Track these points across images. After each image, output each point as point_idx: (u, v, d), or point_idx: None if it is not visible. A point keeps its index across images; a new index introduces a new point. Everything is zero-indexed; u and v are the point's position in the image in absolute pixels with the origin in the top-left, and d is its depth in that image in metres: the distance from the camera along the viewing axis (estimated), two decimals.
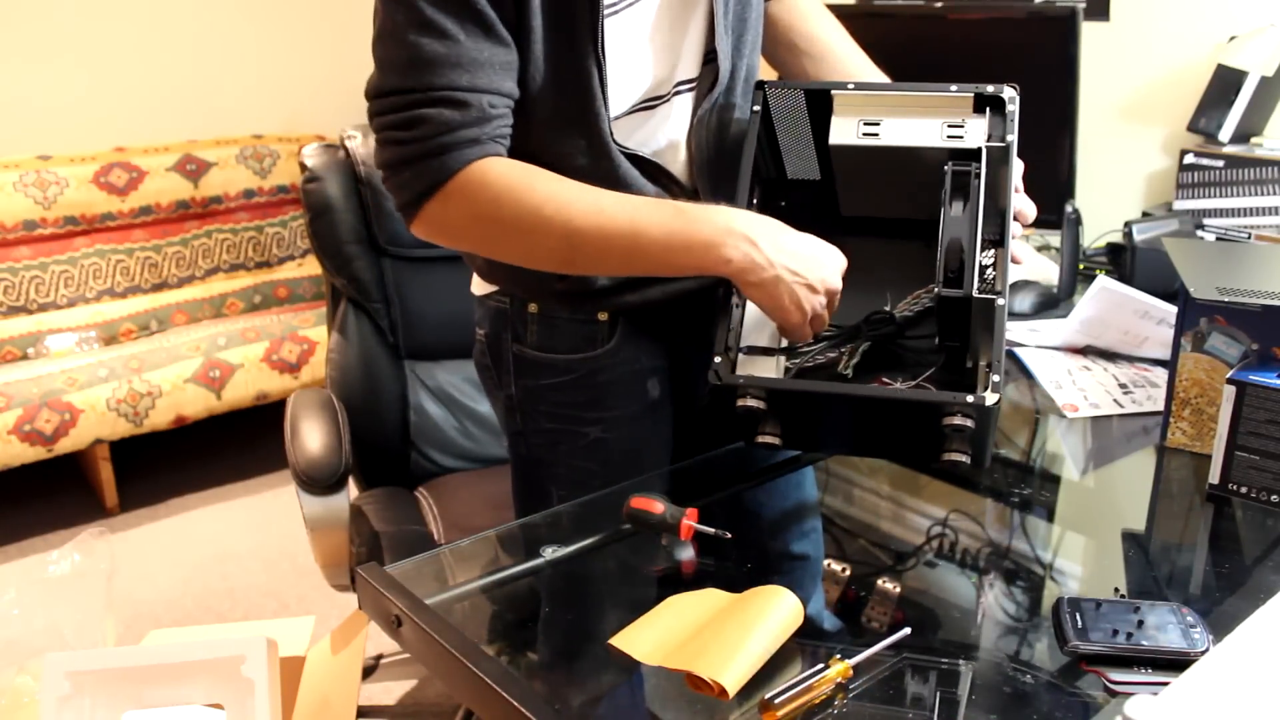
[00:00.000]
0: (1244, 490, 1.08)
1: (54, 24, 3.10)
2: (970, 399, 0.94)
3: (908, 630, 0.86)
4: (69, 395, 2.64)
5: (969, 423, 0.94)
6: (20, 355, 2.90)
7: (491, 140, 1.01)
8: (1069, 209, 1.72)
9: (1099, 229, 1.95)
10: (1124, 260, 1.73)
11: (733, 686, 0.79)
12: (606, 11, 1.03)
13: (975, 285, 0.97)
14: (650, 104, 1.11)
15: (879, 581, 1.01)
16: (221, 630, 1.48)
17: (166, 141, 3.24)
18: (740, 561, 1.02)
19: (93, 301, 3.09)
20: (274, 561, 2.60)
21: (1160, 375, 1.41)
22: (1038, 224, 1.15)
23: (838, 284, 1.03)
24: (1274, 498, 1.06)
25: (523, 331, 1.20)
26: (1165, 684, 0.72)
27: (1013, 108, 1.06)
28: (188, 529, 2.78)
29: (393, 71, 1.00)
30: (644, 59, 1.08)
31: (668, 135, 1.13)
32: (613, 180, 1.07)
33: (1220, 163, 1.82)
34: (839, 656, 0.82)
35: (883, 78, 1.26)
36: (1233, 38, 1.86)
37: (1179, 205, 1.87)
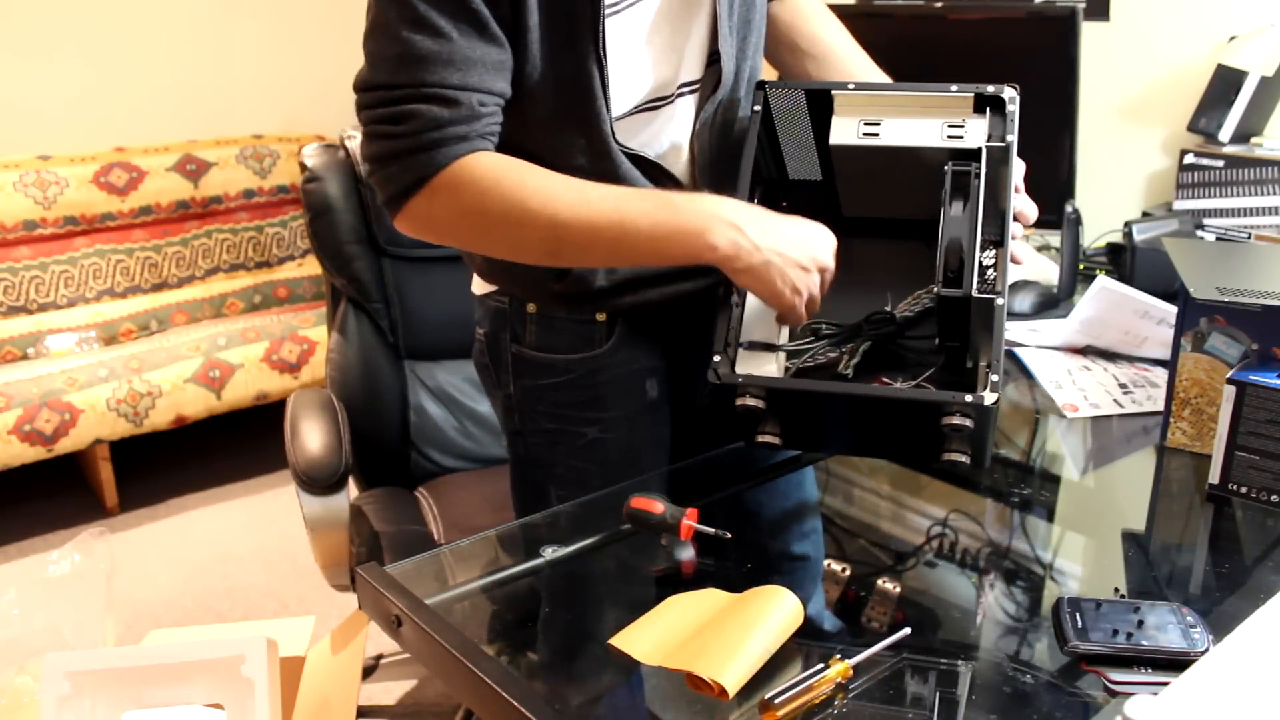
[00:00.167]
0: (1244, 490, 1.08)
1: (54, 24, 3.10)
2: (969, 399, 0.94)
3: (908, 630, 0.86)
4: (69, 395, 2.64)
5: (968, 423, 0.94)
6: (20, 355, 2.90)
7: (479, 137, 1.01)
8: (1069, 209, 1.72)
9: (1099, 229, 1.95)
10: (1124, 260, 1.73)
11: (733, 686, 0.79)
12: (608, 11, 1.03)
13: (975, 285, 0.97)
14: (653, 105, 1.11)
15: (879, 581, 1.01)
16: (221, 630, 1.48)
17: (166, 141, 3.24)
18: (740, 561, 1.02)
19: (93, 301, 3.09)
20: (274, 561, 2.60)
21: (1160, 375, 1.41)
22: (1038, 224, 1.14)
23: (829, 261, 1.02)
24: (1274, 498, 1.06)
25: (521, 331, 1.20)
26: (1165, 684, 0.72)
27: (1013, 108, 1.06)
28: (188, 529, 2.78)
29: (383, 67, 1.00)
30: (646, 60, 1.08)
31: (671, 137, 1.13)
32: (614, 180, 1.07)
33: (1220, 163, 1.82)
34: (839, 656, 0.82)
35: (884, 78, 1.26)
36: (1233, 38, 1.86)
37: (1179, 205, 1.87)
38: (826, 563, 1.07)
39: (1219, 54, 1.86)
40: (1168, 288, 1.36)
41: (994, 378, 0.94)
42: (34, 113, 3.11)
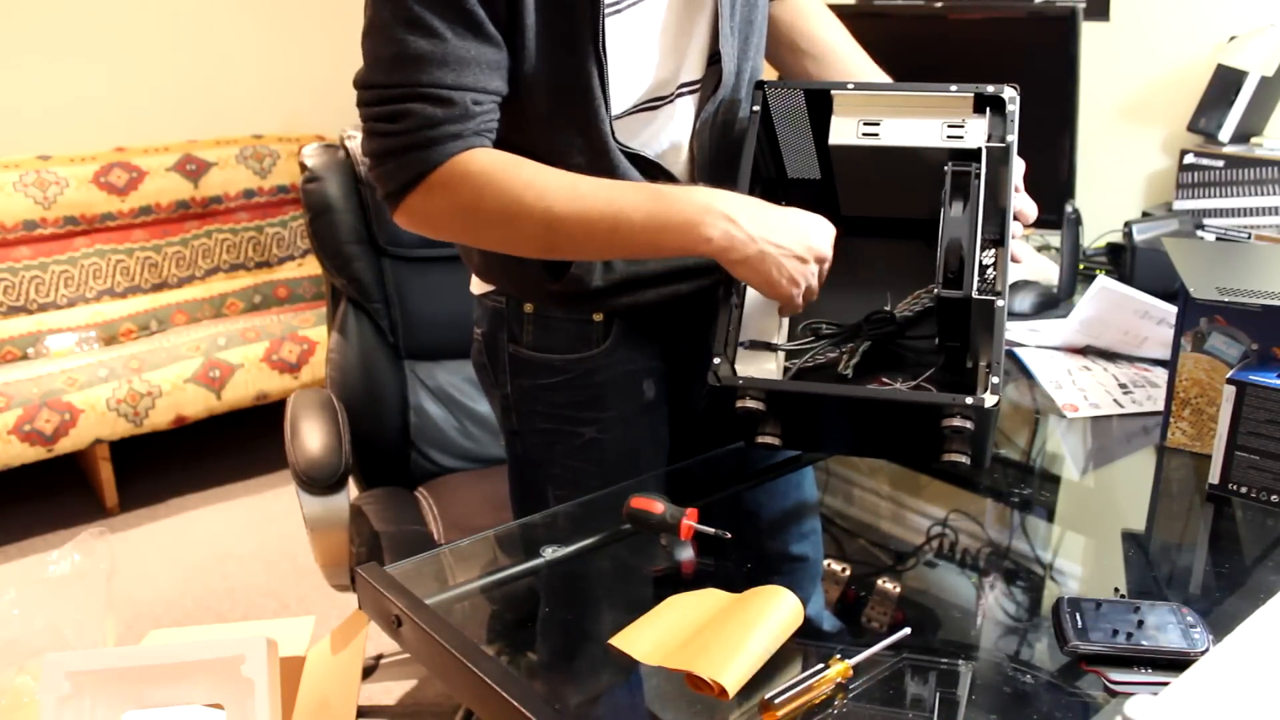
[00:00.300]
0: (1244, 490, 1.08)
1: (54, 24, 3.10)
2: (970, 400, 0.94)
3: (908, 630, 0.86)
4: (69, 395, 2.64)
5: (968, 424, 0.94)
6: (20, 355, 2.90)
7: (475, 135, 1.01)
8: (1069, 209, 1.72)
9: (1099, 229, 1.95)
10: (1124, 260, 1.73)
11: (733, 686, 0.79)
12: (608, 10, 1.03)
13: (975, 285, 0.97)
14: (652, 105, 1.11)
15: (879, 581, 1.01)
16: (221, 630, 1.48)
17: (166, 141, 3.24)
18: (740, 561, 1.02)
19: (93, 301, 3.10)
20: (274, 561, 2.60)
21: (1160, 375, 1.41)
22: (1038, 224, 1.15)
23: (827, 251, 1.02)
24: (1274, 498, 1.06)
25: (519, 331, 1.20)
26: (1165, 684, 0.72)
27: (1013, 108, 1.06)
28: (188, 529, 2.78)
29: (380, 66, 1.00)
30: (647, 59, 1.08)
31: (670, 137, 1.13)
32: (612, 179, 1.07)
33: (1220, 163, 1.82)
34: (839, 656, 0.82)
35: (884, 78, 1.26)
36: (1233, 38, 1.86)
37: (1179, 205, 1.87)
38: (826, 563, 1.07)
39: (1219, 54, 1.86)
40: (1168, 288, 1.36)
41: (994, 379, 0.94)
42: (34, 113, 3.11)
